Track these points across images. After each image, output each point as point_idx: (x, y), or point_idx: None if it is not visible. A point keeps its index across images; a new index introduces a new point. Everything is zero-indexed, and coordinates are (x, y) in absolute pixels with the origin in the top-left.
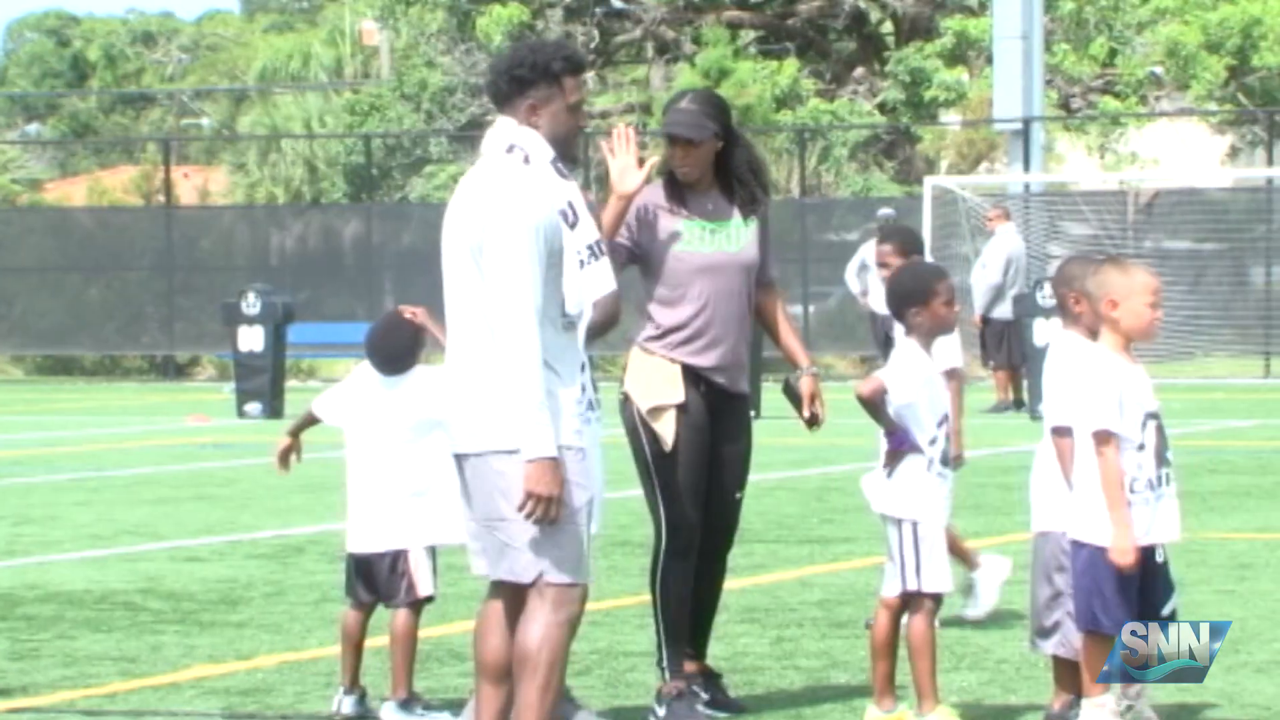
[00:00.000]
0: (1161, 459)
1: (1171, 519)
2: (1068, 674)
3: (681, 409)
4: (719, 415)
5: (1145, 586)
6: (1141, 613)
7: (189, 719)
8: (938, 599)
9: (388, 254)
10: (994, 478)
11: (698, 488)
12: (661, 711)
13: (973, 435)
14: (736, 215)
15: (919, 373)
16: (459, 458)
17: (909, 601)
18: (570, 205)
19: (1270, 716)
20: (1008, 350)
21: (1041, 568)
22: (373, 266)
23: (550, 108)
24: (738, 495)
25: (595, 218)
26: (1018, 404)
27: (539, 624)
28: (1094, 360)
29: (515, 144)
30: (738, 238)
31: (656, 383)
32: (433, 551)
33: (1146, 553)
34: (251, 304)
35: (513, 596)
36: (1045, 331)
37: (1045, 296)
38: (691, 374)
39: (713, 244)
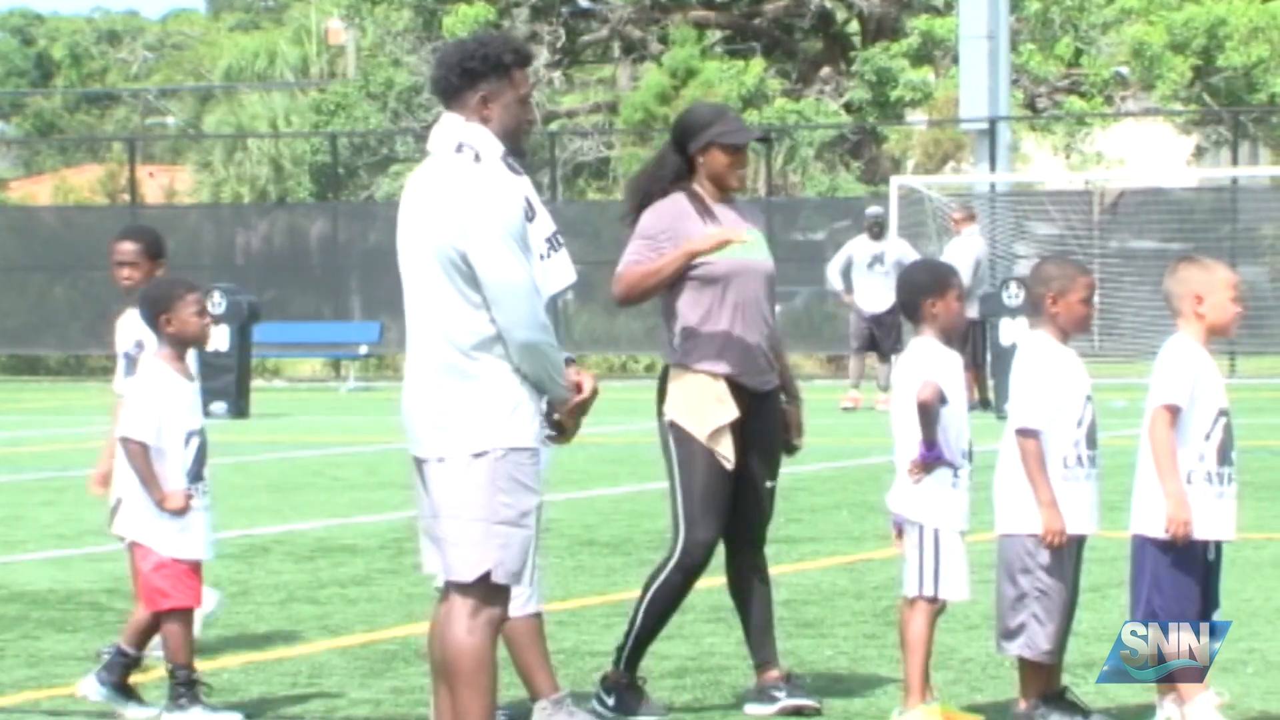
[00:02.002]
0: (1225, 457)
1: (1229, 519)
2: (1033, 676)
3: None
4: (749, 415)
5: (1204, 584)
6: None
7: None
8: (944, 603)
9: (354, 253)
10: None
11: (723, 505)
12: (611, 700)
13: None
14: (755, 227)
15: (950, 371)
16: (419, 461)
17: (915, 599)
18: (526, 200)
19: (1236, 715)
20: (973, 350)
21: (1005, 569)
22: (339, 266)
23: (501, 100)
24: (769, 484)
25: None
26: (984, 404)
27: (461, 628)
28: (1064, 360)
29: (464, 142)
30: (759, 247)
31: (708, 405)
32: None
33: (1203, 548)
34: (217, 303)
35: None
36: (1011, 331)
37: (1011, 296)
38: (731, 384)
39: (743, 251)
